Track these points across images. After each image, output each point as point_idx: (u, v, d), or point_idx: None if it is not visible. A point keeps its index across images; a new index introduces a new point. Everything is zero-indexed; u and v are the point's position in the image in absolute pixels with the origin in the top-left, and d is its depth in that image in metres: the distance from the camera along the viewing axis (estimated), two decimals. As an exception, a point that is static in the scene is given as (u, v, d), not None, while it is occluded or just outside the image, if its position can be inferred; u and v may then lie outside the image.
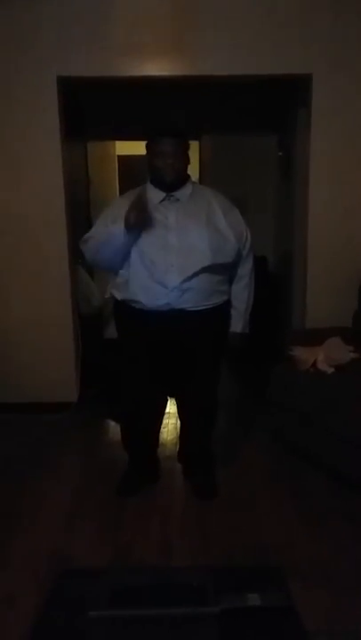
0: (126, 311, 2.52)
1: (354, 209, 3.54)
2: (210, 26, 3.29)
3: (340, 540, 2.36)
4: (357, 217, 3.55)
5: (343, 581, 2.11)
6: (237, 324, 2.66)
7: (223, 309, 2.59)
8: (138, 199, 2.32)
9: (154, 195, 2.46)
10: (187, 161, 2.50)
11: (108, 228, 2.40)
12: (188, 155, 2.51)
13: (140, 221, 2.31)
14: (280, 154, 4.87)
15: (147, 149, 2.48)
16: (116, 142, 6.35)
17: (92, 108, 4.55)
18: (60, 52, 3.31)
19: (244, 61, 3.33)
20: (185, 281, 2.38)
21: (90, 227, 4.21)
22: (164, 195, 2.45)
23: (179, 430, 2.97)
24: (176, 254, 2.38)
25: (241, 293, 2.64)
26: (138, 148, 5.78)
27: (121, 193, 3.97)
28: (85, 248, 2.54)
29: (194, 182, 2.59)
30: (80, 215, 4.23)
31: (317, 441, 2.85)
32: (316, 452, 2.89)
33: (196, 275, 2.39)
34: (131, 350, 2.60)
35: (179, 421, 2.93)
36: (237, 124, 4.98)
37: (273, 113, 4.82)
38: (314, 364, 3.04)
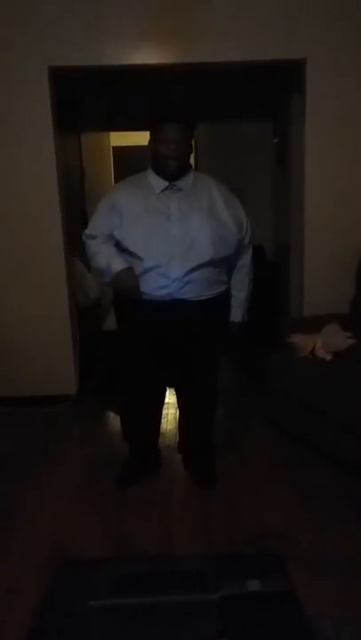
0: (127, 301, 2.51)
1: (350, 195, 3.52)
2: (203, 12, 3.26)
3: (341, 526, 2.37)
4: (354, 203, 3.53)
5: (344, 567, 2.12)
6: (237, 314, 2.68)
7: (223, 299, 2.59)
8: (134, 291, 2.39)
9: (156, 183, 2.43)
10: (190, 149, 2.47)
11: (107, 268, 2.44)
12: (191, 143, 2.49)
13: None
14: (275, 141, 4.84)
15: (150, 135, 2.44)
16: (111, 133, 6.31)
17: (85, 98, 4.52)
18: (51, 42, 3.27)
19: (238, 48, 3.30)
20: (187, 273, 2.37)
21: (85, 219, 4.22)
22: (167, 184, 2.42)
23: (178, 420, 2.97)
24: (178, 245, 2.36)
25: (241, 283, 2.65)
26: (133, 139, 5.79)
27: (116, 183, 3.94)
28: (87, 245, 2.56)
29: (195, 171, 2.57)
30: (75, 207, 4.21)
31: (316, 427, 2.86)
32: (315, 438, 2.89)
33: (198, 267, 2.38)
34: (130, 340, 2.59)
35: (178, 411, 2.93)
36: (232, 111, 4.94)
37: (268, 99, 4.79)
38: (312, 351, 3.04)
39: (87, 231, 2.56)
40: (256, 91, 4.72)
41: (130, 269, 2.39)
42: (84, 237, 2.57)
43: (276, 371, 3.15)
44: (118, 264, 2.40)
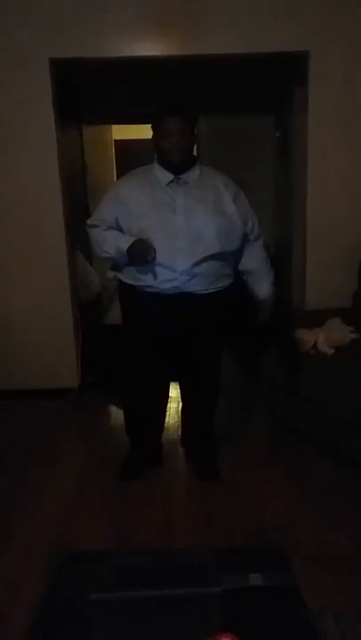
0: (132, 293, 2.51)
1: (353, 189, 3.50)
2: (204, 4, 3.23)
3: (342, 521, 2.37)
4: (356, 197, 3.51)
5: (345, 561, 2.12)
6: (262, 290, 2.68)
7: (228, 292, 2.58)
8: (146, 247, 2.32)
9: (162, 176, 2.44)
10: (193, 140, 2.47)
11: (116, 248, 2.40)
12: (194, 134, 2.49)
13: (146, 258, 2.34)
14: (277, 134, 4.81)
15: (153, 130, 2.45)
16: (113, 126, 6.28)
17: (87, 91, 4.49)
18: (52, 34, 3.25)
19: (240, 40, 3.27)
20: (194, 265, 2.37)
21: (87, 212, 4.20)
22: (172, 177, 2.42)
23: (180, 414, 2.97)
24: (184, 238, 2.36)
25: (257, 265, 2.65)
26: (135, 132, 5.76)
27: (118, 178, 3.93)
28: (90, 234, 2.54)
29: (201, 165, 2.55)
30: (77, 201, 4.19)
31: (318, 422, 2.85)
32: (316, 432, 2.89)
33: (204, 260, 2.38)
34: (136, 333, 2.59)
35: (180, 405, 2.92)
36: (234, 104, 4.91)
37: (270, 92, 4.75)
38: (314, 346, 3.03)
39: (90, 221, 2.56)
40: (258, 84, 4.69)
41: (139, 240, 2.34)
42: (87, 228, 2.57)
43: (277, 365, 3.14)
44: (125, 242, 2.37)
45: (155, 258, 2.32)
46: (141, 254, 2.32)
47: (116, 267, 2.55)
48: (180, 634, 1.13)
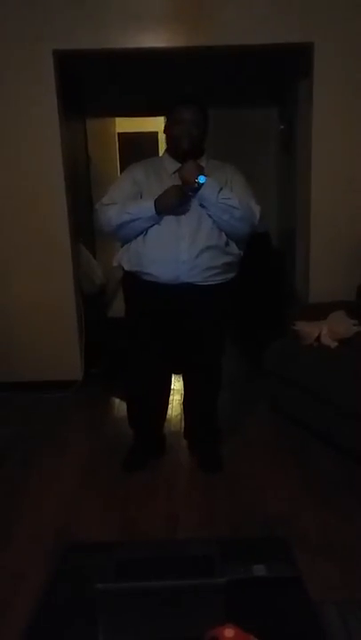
0: (134, 283, 2.52)
1: (357, 181, 3.49)
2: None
3: (344, 511, 2.38)
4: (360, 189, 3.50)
5: (348, 551, 2.13)
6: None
7: (231, 286, 2.58)
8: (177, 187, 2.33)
9: (169, 164, 2.47)
10: (204, 132, 2.48)
11: (139, 207, 2.37)
12: (205, 127, 2.48)
13: (179, 202, 2.33)
14: (281, 127, 4.79)
15: (166, 119, 2.47)
16: (117, 119, 6.27)
17: (90, 83, 4.48)
18: (55, 25, 3.24)
19: (244, 31, 3.26)
20: (196, 255, 2.37)
21: (91, 205, 4.19)
22: (179, 165, 2.43)
23: (183, 406, 2.97)
24: (187, 227, 2.37)
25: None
26: (139, 124, 5.74)
27: (122, 171, 3.93)
28: (102, 212, 2.48)
29: (210, 158, 2.54)
30: (81, 194, 4.19)
31: (321, 414, 2.86)
32: (319, 425, 2.89)
33: (206, 250, 2.38)
34: (138, 325, 2.60)
35: (183, 397, 2.93)
36: (238, 96, 4.89)
37: (274, 85, 4.73)
38: (318, 339, 3.03)
39: (103, 201, 2.50)
40: (262, 76, 4.66)
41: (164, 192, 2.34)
42: (98, 207, 2.52)
43: (280, 358, 3.14)
44: (148, 200, 2.35)
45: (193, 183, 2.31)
46: (174, 194, 2.32)
47: (125, 257, 2.53)
48: (183, 624, 1.13)
